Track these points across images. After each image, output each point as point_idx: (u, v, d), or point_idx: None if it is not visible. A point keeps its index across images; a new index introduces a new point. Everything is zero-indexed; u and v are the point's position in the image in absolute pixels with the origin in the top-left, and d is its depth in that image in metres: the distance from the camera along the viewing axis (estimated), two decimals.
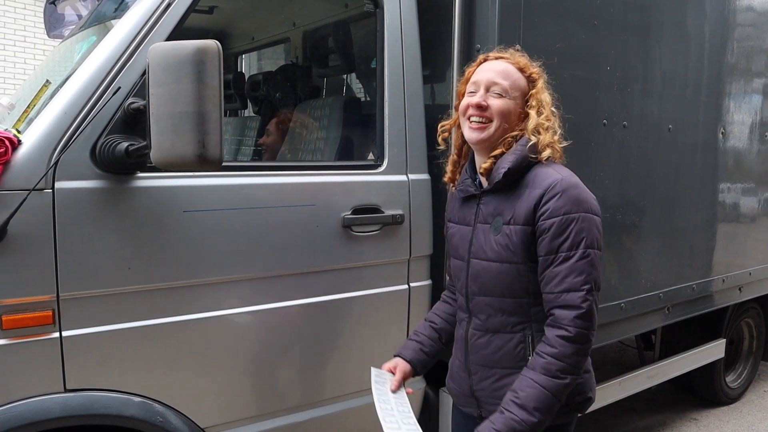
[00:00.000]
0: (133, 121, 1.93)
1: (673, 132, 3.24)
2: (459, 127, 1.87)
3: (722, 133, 3.59)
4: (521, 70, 1.79)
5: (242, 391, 2.27)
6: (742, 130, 3.74)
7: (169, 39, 2.01)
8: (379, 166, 2.53)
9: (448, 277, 2.07)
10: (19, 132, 1.85)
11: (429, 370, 2.12)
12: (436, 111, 2.45)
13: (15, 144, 1.79)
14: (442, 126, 1.96)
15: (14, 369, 1.82)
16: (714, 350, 4.06)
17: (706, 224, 3.61)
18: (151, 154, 1.72)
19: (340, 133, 2.87)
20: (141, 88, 1.94)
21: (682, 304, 3.51)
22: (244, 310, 2.22)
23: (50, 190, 1.83)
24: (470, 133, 1.78)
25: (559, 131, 1.78)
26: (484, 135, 1.76)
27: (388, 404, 1.82)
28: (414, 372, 2.01)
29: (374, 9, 2.57)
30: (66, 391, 1.90)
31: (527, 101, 1.77)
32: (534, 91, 1.78)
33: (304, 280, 2.35)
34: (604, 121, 2.90)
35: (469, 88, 1.81)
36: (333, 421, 2.51)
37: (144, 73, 1.89)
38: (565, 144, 1.80)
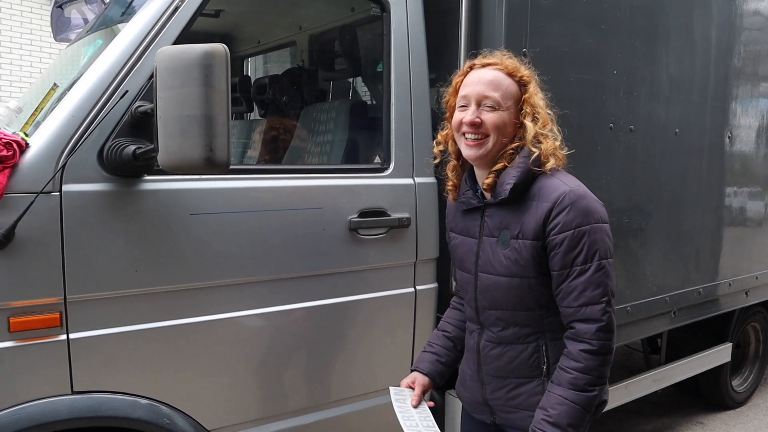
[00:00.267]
0: (141, 125, 1.93)
1: (679, 136, 3.24)
2: (454, 139, 1.80)
3: (729, 136, 3.58)
4: (510, 74, 1.71)
5: (249, 394, 2.28)
6: (749, 134, 3.74)
7: (176, 42, 2.02)
8: (386, 169, 2.53)
9: (455, 282, 2.05)
10: (26, 135, 1.86)
11: None
12: (442, 114, 2.45)
13: (23, 147, 1.80)
14: (436, 140, 1.91)
15: (22, 371, 1.83)
16: (720, 354, 4.05)
17: (712, 228, 3.60)
18: (158, 157, 1.72)
19: (347, 137, 2.87)
20: (148, 92, 1.95)
21: (688, 308, 3.50)
22: (251, 313, 2.22)
23: (58, 193, 1.84)
24: (468, 150, 1.72)
25: (558, 135, 1.74)
26: (482, 152, 1.70)
27: (412, 420, 1.80)
28: (433, 384, 1.98)
29: (381, 12, 2.57)
30: (73, 393, 1.90)
31: (521, 108, 1.71)
32: (526, 95, 1.71)
33: (310, 282, 2.35)
34: (611, 124, 2.89)
35: (459, 102, 1.74)
36: (339, 424, 2.50)
37: (151, 77, 1.90)
38: (567, 151, 1.75)
